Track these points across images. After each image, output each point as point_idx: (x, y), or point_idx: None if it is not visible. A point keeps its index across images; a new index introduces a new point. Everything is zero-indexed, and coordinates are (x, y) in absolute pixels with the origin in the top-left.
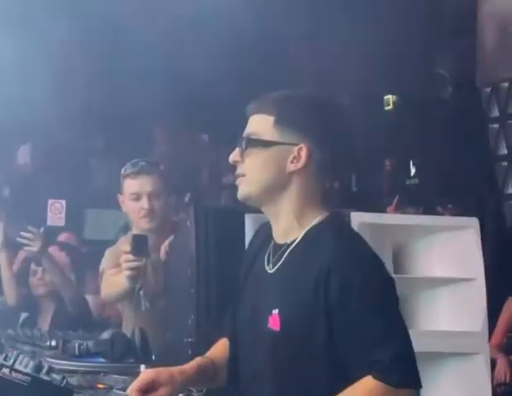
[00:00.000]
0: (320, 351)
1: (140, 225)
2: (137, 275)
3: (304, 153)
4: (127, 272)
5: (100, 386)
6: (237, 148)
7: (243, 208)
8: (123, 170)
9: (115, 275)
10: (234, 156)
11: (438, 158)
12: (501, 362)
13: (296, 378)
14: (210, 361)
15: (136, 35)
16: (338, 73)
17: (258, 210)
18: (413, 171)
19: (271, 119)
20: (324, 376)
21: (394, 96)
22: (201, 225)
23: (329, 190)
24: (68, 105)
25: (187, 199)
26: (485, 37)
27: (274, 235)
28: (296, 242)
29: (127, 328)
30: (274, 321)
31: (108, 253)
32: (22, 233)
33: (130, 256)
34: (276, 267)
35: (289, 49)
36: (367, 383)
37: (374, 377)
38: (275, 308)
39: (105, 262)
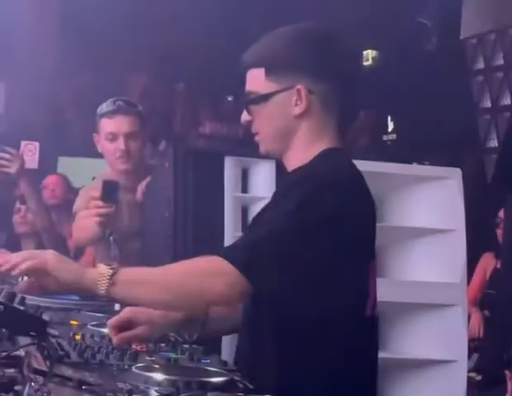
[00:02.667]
0: None
1: (116, 166)
2: (106, 221)
3: (303, 92)
4: (96, 218)
5: (73, 323)
6: (244, 110)
7: (223, 150)
8: (99, 109)
9: (86, 219)
10: (244, 116)
11: (419, 113)
12: (475, 317)
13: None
14: None
15: None
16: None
17: (239, 153)
18: (391, 126)
19: (262, 71)
20: None
21: (373, 52)
22: (179, 167)
23: (341, 124)
24: (45, 48)
25: (161, 147)
26: None
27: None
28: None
29: None
30: None
31: (82, 193)
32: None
33: (100, 203)
34: None
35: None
36: (212, 257)
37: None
38: None
39: (78, 203)
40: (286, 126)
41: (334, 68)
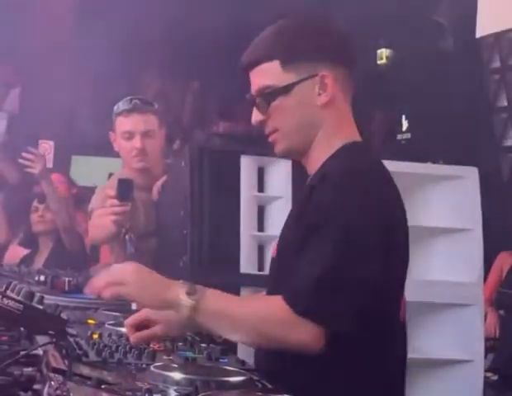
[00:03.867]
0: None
1: (132, 165)
2: (122, 219)
3: (329, 79)
4: (112, 217)
5: (90, 322)
6: (254, 109)
7: (238, 149)
8: (116, 107)
9: (102, 217)
10: (255, 116)
11: (434, 112)
12: (491, 316)
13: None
14: None
15: None
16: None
17: (254, 152)
18: (405, 125)
19: (276, 63)
20: None
21: (387, 50)
22: (195, 166)
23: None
24: (58, 49)
25: (176, 146)
26: None
27: (307, 170)
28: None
29: None
30: (274, 249)
31: (98, 192)
32: (23, 153)
33: (115, 201)
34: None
35: None
36: (274, 298)
37: (283, 297)
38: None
39: (94, 201)
40: (311, 118)
41: (348, 54)
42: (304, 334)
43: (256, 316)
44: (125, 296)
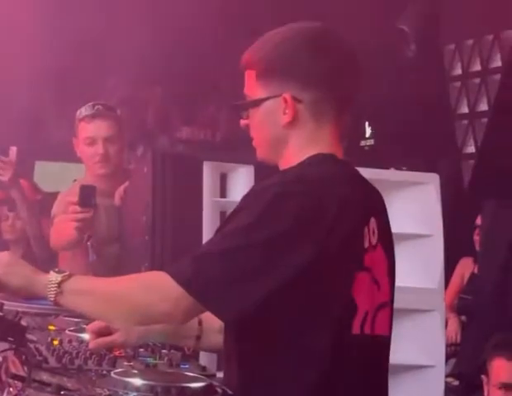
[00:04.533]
0: None
1: (94, 171)
2: (84, 226)
3: (290, 102)
4: (74, 224)
5: (51, 328)
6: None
7: (201, 155)
8: (78, 113)
9: (64, 223)
10: (242, 121)
11: (397, 119)
12: (452, 322)
13: None
14: (197, 320)
15: None
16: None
17: (217, 158)
18: (368, 132)
19: (254, 73)
20: None
21: None
22: (157, 171)
23: (337, 131)
24: (21, 51)
25: (139, 152)
26: None
27: None
28: None
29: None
30: None
31: (60, 198)
32: None
33: (77, 208)
34: None
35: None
36: (159, 272)
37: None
38: None
39: (56, 208)
40: (276, 135)
41: (327, 74)
42: (171, 301)
43: (122, 284)
44: None
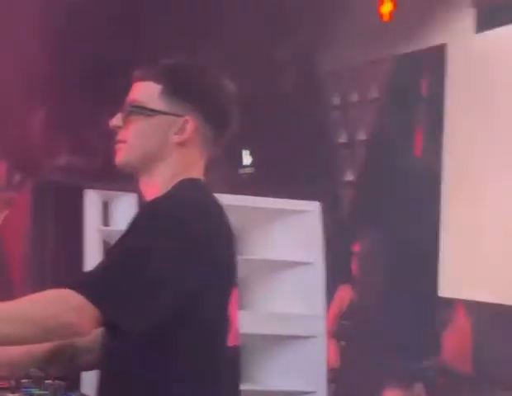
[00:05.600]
0: None
1: None
2: None
3: (189, 126)
4: None
5: None
6: (119, 113)
7: (82, 183)
8: None
9: None
10: (115, 120)
11: (277, 147)
12: (332, 348)
13: None
14: (70, 341)
15: None
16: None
17: (98, 186)
18: (246, 160)
19: (158, 87)
20: None
21: (229, 84)
22: (38, 200)
23: (208, 161)
24: None
25: (16, 180)
26: (326, 23)
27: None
28: None
29: None
30: None
31: None
32: None
33: None
34: None
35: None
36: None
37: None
38: None
39: None
40: (157, 149)
41: (223, 114)
42: (75, 311)
43: (23, 301)
44: None
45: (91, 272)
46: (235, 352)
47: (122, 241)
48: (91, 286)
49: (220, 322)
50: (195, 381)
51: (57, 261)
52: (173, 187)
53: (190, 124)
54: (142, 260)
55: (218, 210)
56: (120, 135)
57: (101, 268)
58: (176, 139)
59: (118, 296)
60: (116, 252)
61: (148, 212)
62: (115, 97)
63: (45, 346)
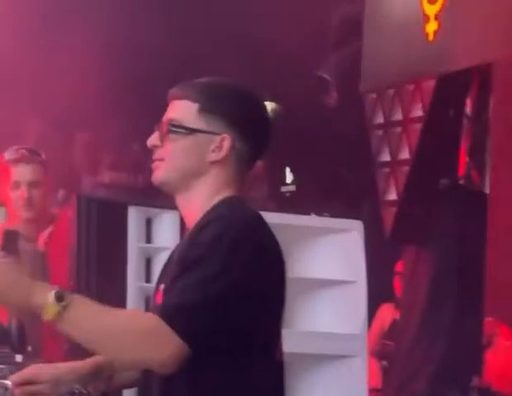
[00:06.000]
0: None
1: (18, 215)
2: None
3: (226, 144)
4: None
5: None
6: (156, 132)
7: (126, 200)
8: (1, 157)
9: None
10: (153, 140)
11: (319, 165)
12: (373, 367)
13: None
14: (109, 361)
15: None
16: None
17: (142, 203)
18: (289, 177)
19: (195, 105)
20: None
21: (272, 104)
22: (83, 216)
23: (244, 178)
24: None
25: (60, 196)
26: (371, 42)
27: (185, 220)
28: (193, 225)
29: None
30: (159, 296)
31: None
32: None
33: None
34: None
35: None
36: (146, 313)
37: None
38: (162, 285)
39: None
40: (196, 167)
41: (259, 132)
42: (166, 347)
43: (122, 326)
44: None
45: (182, 307)
46: (282, 365)
47: (195, 269)
48: (188, 326)
49: (276, 339)
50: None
51: (100, 277)
52: (225, 206)
53: (227, 141)
54: (236, 297)
55: (270, 228)
56: (158, 153)
57: (192, 305)
58: (213, 156)
59: (206, 337)
60: (196, 282)
61: (225, 238)
62: (155, 115)
63: (88, 363)
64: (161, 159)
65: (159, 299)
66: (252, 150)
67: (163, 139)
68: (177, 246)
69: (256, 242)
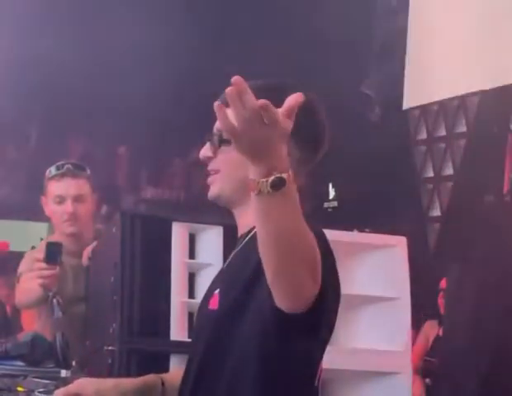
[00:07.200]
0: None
1: (63, 229)
2: (49, 283)
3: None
4: (39, 280)
5: (20, 389)
6: (207, 144)
7: (170, 216)
8: (48, 172)
9: (29, 281)
10: (205, 151)
11: (362, 181)
12: (417, 385)
13: (231, 350)
14: (159, 380)
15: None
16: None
17: (186, 219)
18: (332, 193)
19: None
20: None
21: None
22: (126, 231)
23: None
24: None
25: (103, 211)
26: (414, 58)
27: (239, 230)
28: (252, 231)
29: (44, 333)
30: (214, 301)
31: (27, 256)
32: None
33: (43, 265)
34: (230, 258)
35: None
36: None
37: None
38: (216, 290)
39: (22, 266)
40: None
41: (315, 139)
42: (315, 287)
43: (311, 245)
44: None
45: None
46: (318, 392)
47: None
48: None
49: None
50: None
51: (144, 293)
52: None
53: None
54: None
55: None
56: (212, 165)
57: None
58: None
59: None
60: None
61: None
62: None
63: (135, 381)
64: (216, 170)
65: (214, 304)
66: (308, 156)
67: (215, 150)
68: (237, 251)
69: (332, 253)
